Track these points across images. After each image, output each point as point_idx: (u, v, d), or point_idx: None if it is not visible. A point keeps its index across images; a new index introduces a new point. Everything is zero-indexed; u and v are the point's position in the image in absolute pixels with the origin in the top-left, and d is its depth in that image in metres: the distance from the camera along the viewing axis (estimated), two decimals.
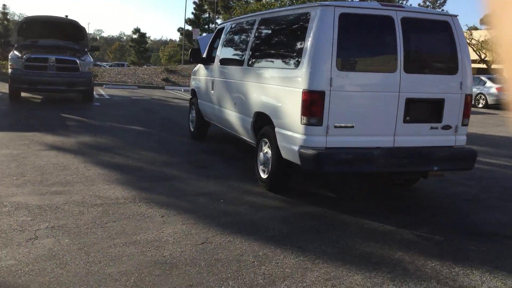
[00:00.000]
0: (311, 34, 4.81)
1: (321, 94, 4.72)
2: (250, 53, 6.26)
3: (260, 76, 5.81)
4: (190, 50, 8.40)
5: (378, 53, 5.00)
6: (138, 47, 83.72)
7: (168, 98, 18.09)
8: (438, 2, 74.76)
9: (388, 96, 4.97)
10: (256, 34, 6.23)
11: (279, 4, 35.48)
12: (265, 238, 4.18)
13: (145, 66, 62.51)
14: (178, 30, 74.90)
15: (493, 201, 5.84)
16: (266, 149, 5.70)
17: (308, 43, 4.83)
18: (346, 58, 4.80)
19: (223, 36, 7.61)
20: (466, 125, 5.36)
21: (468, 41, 32.86)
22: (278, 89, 5.31)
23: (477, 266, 3.77)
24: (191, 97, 9.52)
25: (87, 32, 14.53)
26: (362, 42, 4.99)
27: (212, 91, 7.74)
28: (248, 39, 6.43)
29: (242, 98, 6.36)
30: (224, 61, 7.32)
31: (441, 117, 5.21)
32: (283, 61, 5.39)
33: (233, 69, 6.79)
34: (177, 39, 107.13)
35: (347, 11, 4.82)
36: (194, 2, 66.83)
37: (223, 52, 7.46)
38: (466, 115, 5.33)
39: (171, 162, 7.04)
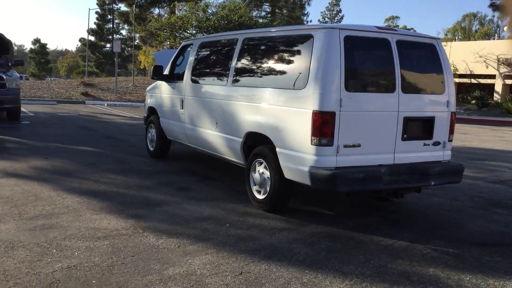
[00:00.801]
0: (319, 56, 4.84)
1: (332, 114, 4.77)
2: (235, 72, 6.16)
3: (253, 96, 5.74)
4: (152, 66, 8.06)
5: (378, 74, 5.16)
6: (39, 59, 79.16)
7: (97, 114, 17.24)
8: (336, 18, 78.82)
9: (389, 115, 5.14)
10: (241, 53, 6.14)
11: (196, 17, 35.33)
12: (299, 263, 4.11)
13: (49, 79, 59.09)
14: (80, 40, 71.92)
15: (470, 210, 6.23)
16: (262, 170, 5.62)
17: (315, 64, 4.85)
18: (352, 79, 4.89)
19: (192, 53, 7.42)
20: (451, 141, 5.69)
21: None
22: (280, 110, 5.26)
23: (506, 276, 4.00)
24: (146, 115, 9.14)
25: (13, 45, 13.43)
26: (364, 64, 5.13)
27: (181, 110, 7.50)
28: (231, 57, 6.31)
29: (227, 118, 6.23)
30: (198, 80, 7.14)
31: (432, 134, 5.48)
32: (282, 82, 5.36)
33: (212, 88, 6.64)
34: (74, 50, 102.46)
35: (351, 34, 4.92)
36: (97, 12, 64.64)
37: (195, 70, 7.27)
38: (451, 131, 5.66)
39: (146, 185, 6.70)
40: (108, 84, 28.70)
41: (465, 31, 74.57)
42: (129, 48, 67.53)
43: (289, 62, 5.38)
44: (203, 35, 35.29)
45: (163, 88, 8.23)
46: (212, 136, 6.64)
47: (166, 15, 47.12)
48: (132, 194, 6.17)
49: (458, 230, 5.33)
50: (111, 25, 67.16)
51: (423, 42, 5.49)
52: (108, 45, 68.25)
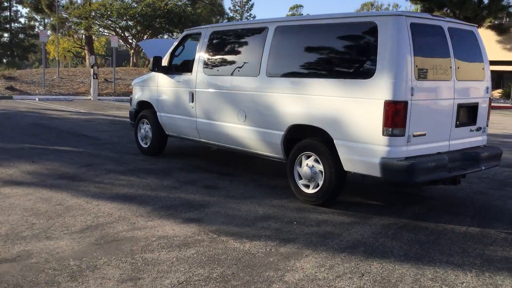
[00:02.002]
0: (388, 44, 4.73)
1: (405, 104, 4.69)
2: (269, 62, 5.86)
3: (299, 87, 5.50)
4: (153, 58, 7.49)
5: (438, 62, 5.12)
6: None
7: (39, 110, 15.85)
8: (246, 6, 79.29)
9: (448, 103, 5.18)
10: (275, 43, 5.84)
11: (120, 4, 33.70)
12: (405, 258, 4.02)
13: None
14: None
15: (492, 192, 6.47)
16: (312, 163, 5.44)
17: (384, 53, 4.73)
18: (420, 67, 4.84)
19: (202, 44, 6.96)
20: (487, 126, 5.87)
21: None
22: (339, 100, 5.09)
23: None
24: (135, 110, 8.52)
25: None
26: (427, 51, 5.06)
27: (191, 103, 7.06)
28: (260, 48, 5.99)
29: (261, 111, 5.95)
30: (215, 71, 6.73)
31: (476, 119, 5.62)
32: (338, 72, 5.18)
33: (238, 80, 6.29)
34: None
35: (415, 21, 4.87)
36: None
37: (209, 61, 6.84)
38: (488, 116, 5.84)
39: (168, 185, 6.25)
40: (31, 77, 26.51)
41: None
42: (29, 38, 63.27)
43: (346, 51, 5.21)
44: (136, 26, 33.41)
45: (162, 81, 7.69)
46: (239, 130, 6.32)
47: (79, 1, 44.47)
48: (165, 196, 5.72)
49: (503, 212, 5.52)
50: (8, 13, 62.37)
51: (466, 29, 5.58)
52: (6, 35, 63.37)
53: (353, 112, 4.99)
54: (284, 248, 4.16)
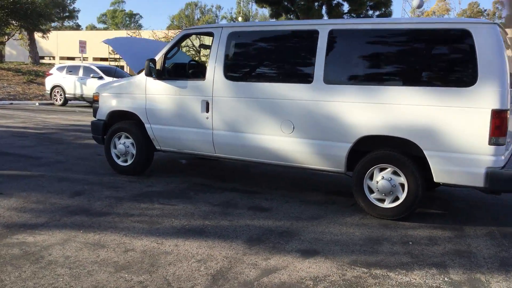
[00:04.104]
0: (489, 52, 4.66)
1: (508, 112, 4.70)
2: (328, 69, 5.37)
3: (375, 95, 5.12)
4: (148, 61, 6.31)
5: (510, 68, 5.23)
6: None
7: None
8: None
9: None
10: (332, 49, 5.37)
11: None
12: None
13: None
14: None
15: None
16: (389, 175, 5.16)
17: (487, 60, 4.66)
18: (510, 75, 4.89)
19: (219, 46, 6.09)
20: None
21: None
22: (433, 109, 4.85)
23: None
24: (103, 121, 7.20)
25: None
26: (508, 59, 5.11)
27: (205, 114, 6.18)
28: (311, 53, 5.45)
29: (320, 121, 5.43)
30: (244, 77, 5.97)
31: None
32: (429, 79, 4.96)
33: (284, 87, 5.63)
34: None
35: (501, 29, 4.90)
36: None
37: (234, 65, 6.04)
38: None
39: (211, 211, 5.38)
40: None
41: (189, 19, 78.62)
42: None
43: (435, 57, 5.01)
44: None
45: (153, 87, 6.59)
46: (282, 143, 5.71)
47: None
48: (230, 225, 4.91)
49: None
50: None
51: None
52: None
53: (451, 121, 4.82)
54: (453, 276, 3.82)
